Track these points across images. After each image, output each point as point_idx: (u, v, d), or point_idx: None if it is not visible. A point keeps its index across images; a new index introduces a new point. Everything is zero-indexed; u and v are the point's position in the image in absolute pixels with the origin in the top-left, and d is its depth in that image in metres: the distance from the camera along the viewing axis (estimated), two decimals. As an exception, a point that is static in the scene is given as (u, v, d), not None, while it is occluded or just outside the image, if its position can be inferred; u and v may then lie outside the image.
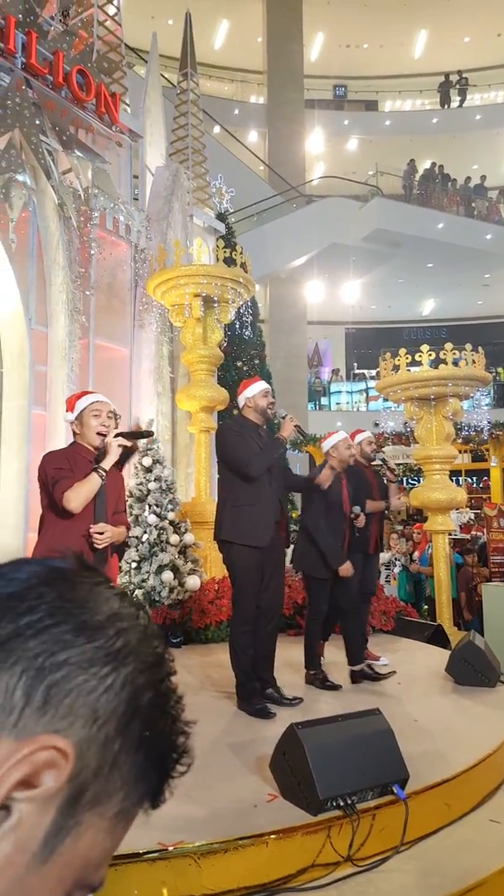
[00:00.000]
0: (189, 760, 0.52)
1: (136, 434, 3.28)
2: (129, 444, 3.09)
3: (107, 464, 2.98)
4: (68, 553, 0.53)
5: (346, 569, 4.34)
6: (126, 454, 3.14)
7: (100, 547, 2.92)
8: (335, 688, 4.27)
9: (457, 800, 2.93)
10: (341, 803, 2.55)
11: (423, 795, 2.78)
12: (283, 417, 4.12)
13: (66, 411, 3.13)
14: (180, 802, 2.67)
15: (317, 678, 4.39)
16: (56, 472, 2.92)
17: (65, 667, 0.46)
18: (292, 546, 4.75)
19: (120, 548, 3.29)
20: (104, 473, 2.94)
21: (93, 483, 2.90)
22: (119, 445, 3.02)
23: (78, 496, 2.86)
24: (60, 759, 0.45)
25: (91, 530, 2.92)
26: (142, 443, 6.45)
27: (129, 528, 3.25)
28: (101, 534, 2.93)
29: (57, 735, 0.45)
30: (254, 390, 4.08)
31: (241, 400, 4.14)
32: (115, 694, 0.47)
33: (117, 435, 3.07)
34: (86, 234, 7.01)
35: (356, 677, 4.44)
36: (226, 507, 3.90)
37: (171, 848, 2.30)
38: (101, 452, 3.04)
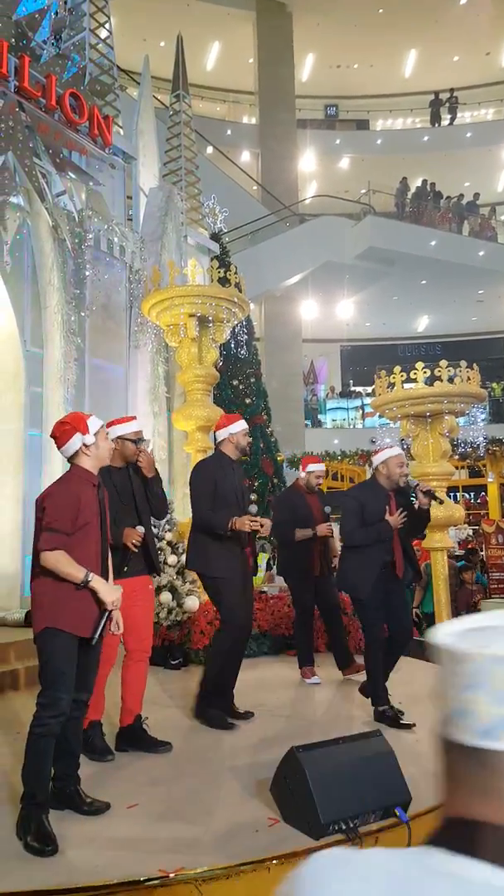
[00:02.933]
0: None
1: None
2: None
3: (99, 588, 2.76)
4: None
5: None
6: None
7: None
8: (408, 727, 3.80)
9: (460, 822, 2.88)
10: (343, 827, 2.52)
11: (427, 818, 2.73)
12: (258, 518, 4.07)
13: (75, 432, 2.88)
14: (181, 827, 2.63)
15: (386, 715, 3.90)
16: (56, 523, 2.73)
17: None
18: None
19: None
20: (83, 587, 2.74)
21: (74, 576, 2.71)
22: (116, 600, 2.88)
23: (55, 567, 2.70)
24: None
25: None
26: None
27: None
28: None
29: None
30: (237, 428, 4.21)
31: (221, 434, 4.21)
32: None
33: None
34: (80, 256, 7.04)
35: (378, 718, 3.97)
36: (193, 534, 4.12)
37: (172, 875, 2.27)
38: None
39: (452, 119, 23.00)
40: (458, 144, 22.10)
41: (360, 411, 21.49)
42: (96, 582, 2.77)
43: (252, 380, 11.37)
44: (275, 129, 20.80)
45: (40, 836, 2.50)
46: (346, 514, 4.12)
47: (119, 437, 3.54)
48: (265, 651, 6.00)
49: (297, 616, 5.26)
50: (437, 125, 22.90)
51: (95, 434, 2.92)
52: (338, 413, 22.13)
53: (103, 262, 7.52)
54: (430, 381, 6.92)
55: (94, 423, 2.93)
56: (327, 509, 5.12)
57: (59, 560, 2.71)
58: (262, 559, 8.45)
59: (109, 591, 2.82)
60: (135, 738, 3.49)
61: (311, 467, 5.29)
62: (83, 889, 2.21)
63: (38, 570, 2.82)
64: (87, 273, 7.10)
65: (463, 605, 8.24)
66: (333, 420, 21.95)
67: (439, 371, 6.82)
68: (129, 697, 3.55)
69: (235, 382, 11.09)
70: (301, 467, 5.39)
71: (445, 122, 22.96)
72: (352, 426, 21.42)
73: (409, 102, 23.93)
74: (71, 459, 2.93)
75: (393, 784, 2.71)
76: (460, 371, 6.82)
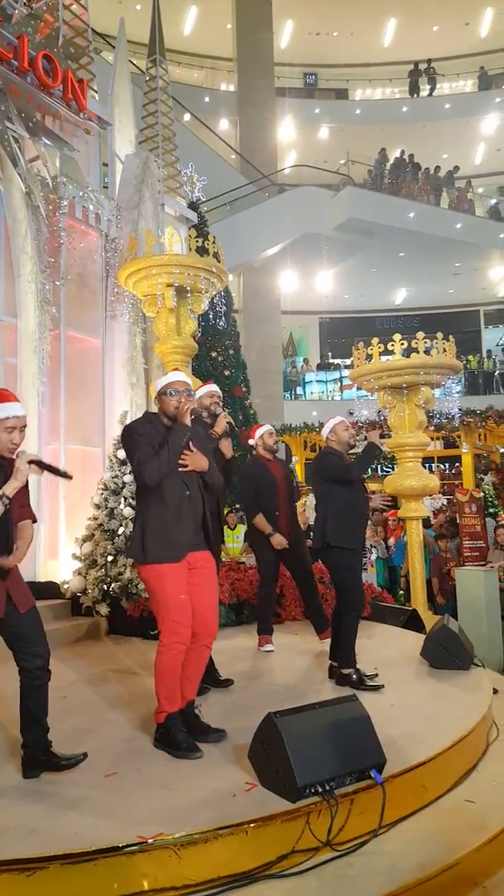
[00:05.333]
0: None
1: (51, 468, 2.92)
2: (40, 472, 2.86)
3: (9, 489, 2.73)
4: None
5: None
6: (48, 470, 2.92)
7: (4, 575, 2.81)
8: (377, 688, 3.95)
9: (433, 782, 2.96)
10: (320, 789, 2.57)
11: (400, 779, 2.81)
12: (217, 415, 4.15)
13: None
14: (159, 794, 2.67)
15: (351, 679, 4.03)
16: None
17: None
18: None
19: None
20: (8, 501, 2.71)
21: None
22: (29, 470, 2.78)
23: None
24: None
25: None
26: (112, 441, 6.38)
27: (35, 520, 3.06)
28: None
29: None
30: (201, 391, 4.17)
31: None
32: None
33: (31, 462, 2.80)
34: (55, 224, 6.90)
35: (342, 682, 4.08)
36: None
37: (150, 840, 2.30)
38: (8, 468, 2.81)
39: (432, 90, 22.80)
40: (436, 116, 21.95)
41: (339, 383, 21.54)
42: (8, 487, 2.72)
43: (231, 351, 11.32)
44: (253, 96, 20.46)
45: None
46: (331, 466, 4.27)
47: (158, 394, 3.32)
48: (243, 620, 6.05)
49: (259, 585, 5.36)
50: (416, 96, 22.68)
51: None
52: (316, 386, 22.15)
53: (78, 230, 7.38)
54: (407, 352, 6.95)
55: None
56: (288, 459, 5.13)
57: None
58: (241, 531, 8.49)
59: (17, 475, 2.74)
60: (187, 724, 3.24)
61: (260, 431, 5.26)
62: (61, 857, 2.23)
63: None
64: (62, 241, 6.97)
65: (436, 571, 8.38)
66: (312, 392, 21.98)
67: (416, 343, 6.85)
68: (185, 684, 3.28)
69: (214, 354, 11.03)
70: (251, 436, 5.34)
71: (424, 93, 22.73)
72: (330, 398, 21.47)
73: (389, 72, 23.67)
74: None
75: (368, 747, 2.76)
76: (437, 343, 6.85)
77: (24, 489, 2.87)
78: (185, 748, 3.05)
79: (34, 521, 3.03)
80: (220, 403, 4.35)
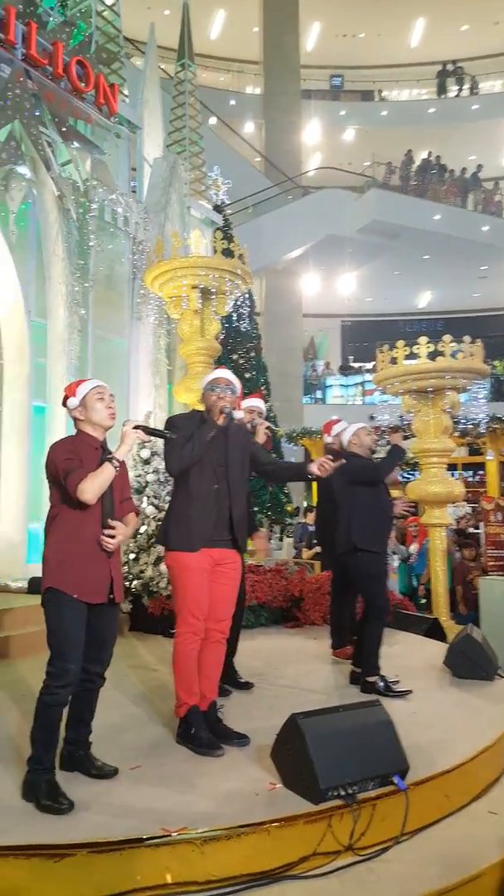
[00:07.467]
0: None
1: (155, 431, 3.00)
2: (147, 437, 2.91)
3: (121, 453, 2.81)
4: None
5: None
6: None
7: (111, 549, 2.82)
8: (404, 694, 3.97)
9: (456, 791, 2.96)
10: (342, 793, 2.59)
11: (423, 787, 2.81)
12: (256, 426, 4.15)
13: (68, 398, 2.93)
14: (182, 789, 2.71)
15: (376, 686, 4.01)
16: (67, 463, 2.75)
17: None
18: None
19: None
20: (118, 464, 2.79)
21: (107, 474, 2.75)
22: (136, 436, 2.85)
23: (92, 487, 2.71)
24: None
25: (103, 535, 2.79)
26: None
27: (137, 514, 3.12)
28: (113, 537, 2.82)
29: None
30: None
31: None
32: None
33: (136, 427, 2.87)
34: (85, 226, 7.00)
35: (368, 689, 4.05)
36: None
37: (174, 834, 2.34)
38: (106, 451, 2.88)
39: (460, 90, 22.60)
40: (464, 117, 21.79)
41: (361, 388, 21.46)
42: (119, 452, 2.80)
43: (252, 354, 11.34)
44: (279, 99, 20.48)
45: (53, 795, 2.57)
46: (358, 467, 4.25)
47: (203, 390, 3.40)
48: (262, 622, 6.09)
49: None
50: (443, 97, 22.54)
51: (84, 397, 2.89)
52: (338, 390, 22.08)
53: (107, 232, 7.47)
54: (433, 356, 6.91)
55: (84, 387, 2.92)
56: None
57: (91, 483, 2.70)
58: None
59: (126, 439, 2.82)
60: (210, 727, 3.22)
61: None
62: (88, 845, 2.28)
63: (49, 530, 2.83)
64: (91, 243, 7.05)
65: (458, 580, 8.33)
66: (335, 396, 21.92)
67: (442, 346, 6.81)
68: (203, 682, 3.27)
69: (235, 357, 11.06)
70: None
71: (452, 94, 22.57)
72: (352, 403, 21.40)
73: (416, 73, 23.56)
74: (75, 427, 2.97)
75: (391, 753, 2.78)
76: (464, 346, 6.81)
77: (127, 482, 2.98)
78: (206, 745, 3.08)
79: (136, 513, 3.10)
80: (262, 415, 4.38)
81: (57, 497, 2.84)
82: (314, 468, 3.22)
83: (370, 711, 2.90)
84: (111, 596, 2.83)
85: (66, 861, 2.25)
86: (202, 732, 3.14)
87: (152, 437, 2.96)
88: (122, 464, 2.88)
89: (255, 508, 8.80)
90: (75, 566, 2.74)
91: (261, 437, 4.13)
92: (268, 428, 4.20)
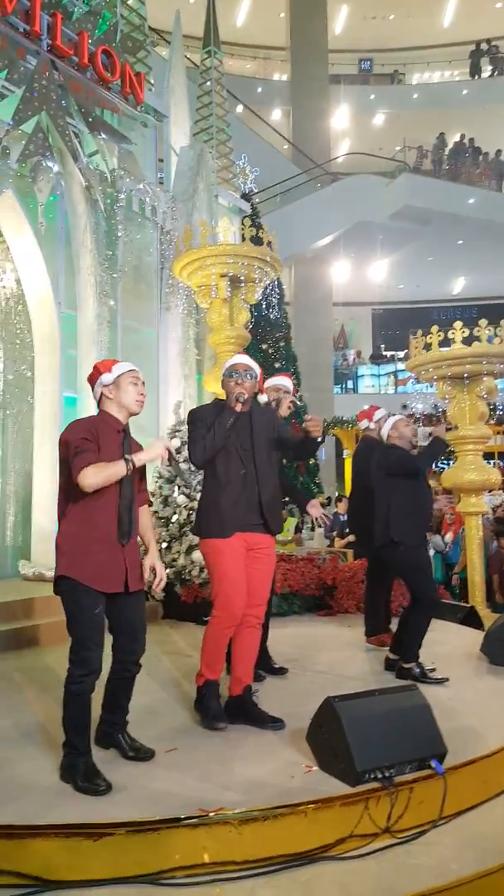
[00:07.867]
0: None
1: (172, 462, 2.92)
2: (165, 459, 2.84)
3: (139, 459, 2.76)
4: None
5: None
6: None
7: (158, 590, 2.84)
8: (441, 681, 3.94)
9: (494, 777, 2.92)
10: (379, 776, 2.57)
11: (461, 771, 2.78)
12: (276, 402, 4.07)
13: (102, 373, 2.87)
14: (217, 771, 2.71)
15: (412, 673, 4.00)
16: (82, 443, 2.67)
17: None
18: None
19: None
20: (132, 468, 2.73)
21: (117, 470, 2.67)
22: (161, 452, 2.82)
23: (96, 476, 2.63)
24: None
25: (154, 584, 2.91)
26: (167, 430, 6.45)
27: (150, 504, 3.12)
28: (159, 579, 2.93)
29: None
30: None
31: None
32: None
33: (167, 448, 2.85)
34: (112, 217, 7.01)
35: (403, 675, 4.04)
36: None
37: (211, 814, 2.34)
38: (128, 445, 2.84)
39: (494, 70, 22.05)
40: (499, 97, 21.27)
41: (394, 377, 21.22)
42: (138, 456, 2.76)
43: (282, 343, 11.29)
44: (307, 85, 20.26)
45: (91, 777, 2.58)
46: (397, 458, 4.16)
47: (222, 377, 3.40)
48: (295, 610, 6.07)
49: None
50: (477, 77, 22.06)
51: (119, 376, 2.86)
52: (369, 379, 21.87)
53: (135, 222, 7.48)
54: (468, 342, 6.79)
55: (120, 366, 2.90)
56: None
57: (97, 471, 2.63)
58: (291, 524, 8.48)
59: (151, 450, 2.80)
60: (243, 710, 3.25)
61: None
62: (127, 824, 2.30)
63: (61, 518, 2.81)
64: (119, 234, 7.07)
65: (495, 569, 8.19)
66: (366, 386, 21.72)
67: (478, 331, 6.68)
68: (239, 666, 3.30)
69: (265, 346, 11.01)
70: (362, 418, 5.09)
71: (486, 74, 22.05)
72: (384, 392, 21.18)
73: (448, 54, 23.09)
74: (98, 405, 2.92)
75: (429, 736, 2.75)
76: (500, 331, 6.67)
77: (143, 469, 2.96)
78: (211, 716, 3.20)
79: (149, 503, 3.11)
80: (288, 393, 4.25)
81: (64, 482, 2.80)
82: (309, 427, 3.24)
83: (407, 695, 2.87)
84: (127, 585, 2.79)
85: (104, 840, 2.27)
86: (212, 703, 3.26)
87: (168, 462, 2.89)
88: (139, 447, 2.88)
89: (286, 499, 8.76)
90: (89, 555, 2.70)
91: (284, 411, 4.04)
92: (291, 402, 4.09)
